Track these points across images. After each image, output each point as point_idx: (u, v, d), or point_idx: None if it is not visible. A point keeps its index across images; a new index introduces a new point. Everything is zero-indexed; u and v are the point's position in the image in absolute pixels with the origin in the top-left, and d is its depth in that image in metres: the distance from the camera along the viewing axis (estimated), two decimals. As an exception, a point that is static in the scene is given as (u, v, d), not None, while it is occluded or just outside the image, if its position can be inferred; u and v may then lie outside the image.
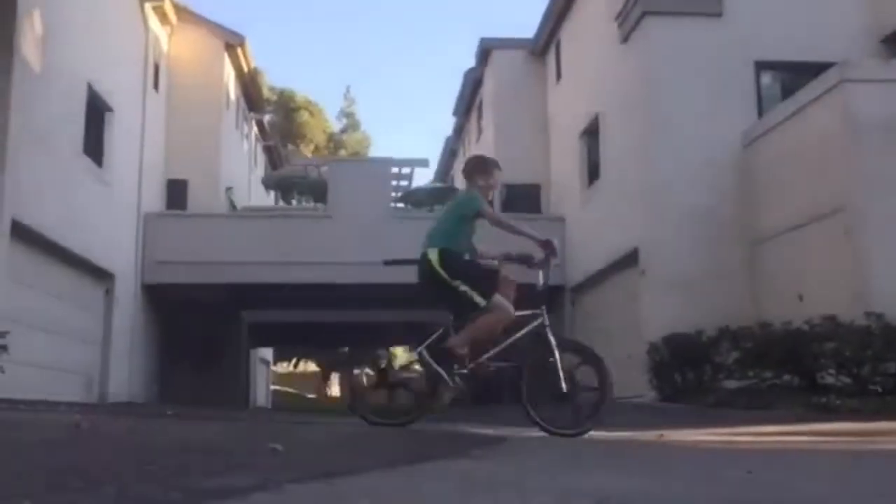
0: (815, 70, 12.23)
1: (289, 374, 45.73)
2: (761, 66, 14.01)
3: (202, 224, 18.67)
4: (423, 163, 23.34)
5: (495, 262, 6.17)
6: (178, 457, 3.26)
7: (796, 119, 12.19)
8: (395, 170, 21.47)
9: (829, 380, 9.83)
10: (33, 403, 9.41)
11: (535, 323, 5.87)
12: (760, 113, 13.60)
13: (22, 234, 11.79)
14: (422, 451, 4.19)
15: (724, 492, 2.82)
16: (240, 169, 23.79)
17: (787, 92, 13.16)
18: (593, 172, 17.17)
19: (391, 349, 51.91)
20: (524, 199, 20.19)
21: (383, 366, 6.09)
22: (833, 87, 11.27)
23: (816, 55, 13.23)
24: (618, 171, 15.47)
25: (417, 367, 6.04)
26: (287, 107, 48.30)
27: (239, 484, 2.41)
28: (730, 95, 13.69)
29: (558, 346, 5.78)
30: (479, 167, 6.25)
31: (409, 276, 21.07)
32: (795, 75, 13.51)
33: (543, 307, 5.89)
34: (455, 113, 26.95)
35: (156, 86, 18.53)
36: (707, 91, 13.64)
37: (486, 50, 21.85)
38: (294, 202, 30.95)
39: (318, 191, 20.85)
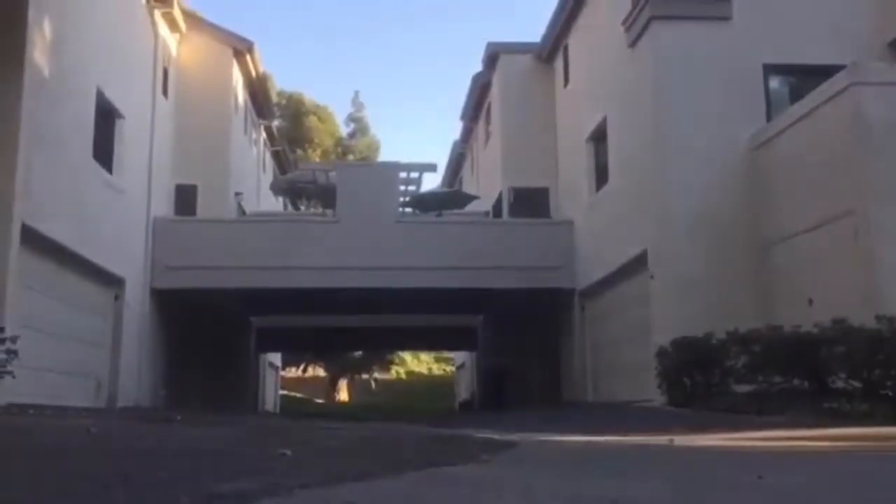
0: (823, 73, 12.18)
1: (297, 379, 45.75)
2: (770, 70, 13.95)
3: (211, 229, 18.72)
4: (432, 168, 23.39)
5: None
6: (188, 461, 3.27)
7: (805, 122, 12.14)
8: (403, 174, 21.49)
9: (840, 384, 9.77)
10: (43, 408, 9.46)
11: None
12: (769, 116, 13.55)
13: (32, 239, 11.84)
14: (431, 457, 4.19)
15: (734, 496, 2.81)
16: (248, 174, 23.85)
17: (796, 95, 13.10)
18: (601, 176, 17.14)
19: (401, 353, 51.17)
20: (532, 202, 20.19)
21: None
22: (842, 91, 11.23)
23: (825, 58, 13.17)
24: (626, 174, 15.45)
25: None
26: (296, 111, 48.40)
27: (248, 488, 2.42)
28: (738, 99, 13.65)
29: None
30: None
31: (418, 281, 20.76)
32: (804, 78, 13.45)
33: None
34: (463, 117, 26.96)
35: (165, 92, 18.61)
36: (715, 95, 13.60)
37: (494, 54, 21.86)
38: (302, 207, 31.02)
39: (326, 196, 20.89)
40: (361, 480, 2.90)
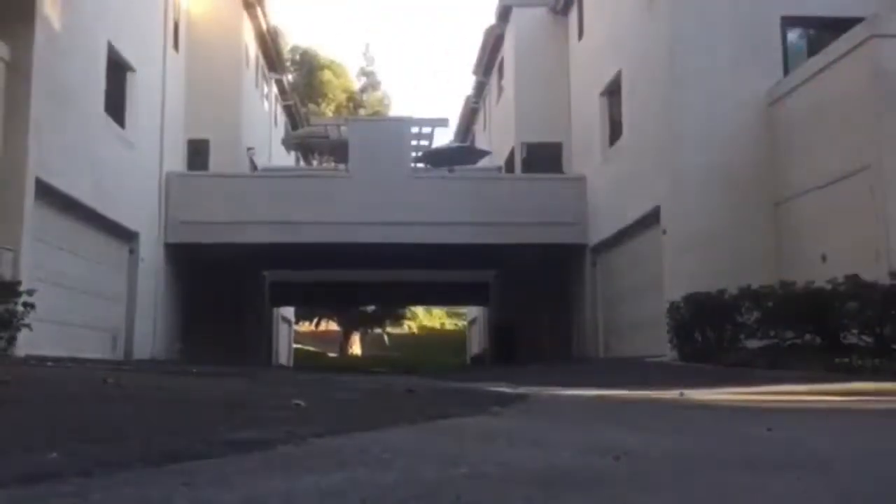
0: (842, 26, 11.97)
1: (310, 333, 46.16)
2: (788, 22, 13.73)
3: (223, 184, 18.74)
4: (443, 122, 23.32)
5: None
6: (203, 411, 3.31)
7: (823, 76, 11.97)
8: (415, 129, 21.40)
9: (852, 339, 9.77)
10: (60, 360, 9.59)
11: None
12: (786, 70, 13.37)
13: (46, 194, 11.89)
14: (442, 409, 4.23)
15: (741, 448, 2.83)
16: (260, 129, 23.79)
17: (814, 48, 12.92)
18: (615, 131, 17.00)
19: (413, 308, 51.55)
20: (545, 157, 20.09)
21: None
22: (861, 43, 11.04)
23: (844, 10, 12.93)
24: (640, 129, 15.32)
25: None
26: (311, 66, 48.18)
27: (263, 437, 2.45)
28: (755, 52, 13.46)
29: None
30: None
31: (430, 236, 20.78)
32: (823, 31, 13.24)
33: None
34: (475, 72, 26.72)
35: (176, 45, 18.49)
36: (732, 48, 13.40)
37: (507, 7, 21.57)
38: (315, 162, 30.98)
39: (338, 151, 20.85)
40: (373, 430, 2.93)
